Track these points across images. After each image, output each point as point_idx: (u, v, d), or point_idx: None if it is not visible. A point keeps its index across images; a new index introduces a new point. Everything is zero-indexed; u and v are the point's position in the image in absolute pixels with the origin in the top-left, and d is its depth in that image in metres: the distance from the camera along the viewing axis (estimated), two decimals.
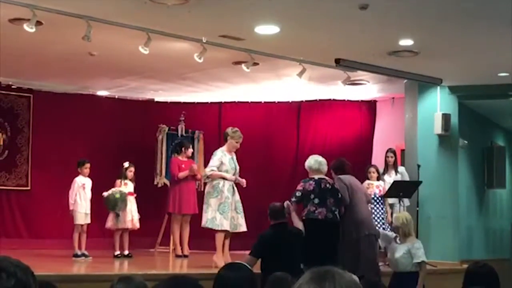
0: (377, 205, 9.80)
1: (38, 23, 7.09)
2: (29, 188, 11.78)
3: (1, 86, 11.50)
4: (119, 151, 11.42)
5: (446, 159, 10.74)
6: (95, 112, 12.16)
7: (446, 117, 10.54)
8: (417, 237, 8.86)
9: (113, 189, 9.94)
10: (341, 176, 8.11)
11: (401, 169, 10.38)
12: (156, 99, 12.79)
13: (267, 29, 7.70)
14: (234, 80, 10.85)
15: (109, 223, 10.00)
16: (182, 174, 10.31)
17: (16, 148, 11.73)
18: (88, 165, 9.92)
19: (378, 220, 9.58)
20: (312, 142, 12.44)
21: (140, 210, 10.28)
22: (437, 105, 10.68)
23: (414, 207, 9.96)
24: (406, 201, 9.87)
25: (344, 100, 12.53)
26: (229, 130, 8.91)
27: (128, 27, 7.55)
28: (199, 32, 7.90)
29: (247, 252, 7.45)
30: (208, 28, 7.78)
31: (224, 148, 8.83)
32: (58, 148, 11.73)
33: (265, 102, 12.81)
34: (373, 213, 9.53)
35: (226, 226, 8.51)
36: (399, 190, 9.58)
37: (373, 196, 9.79)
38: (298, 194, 7.75)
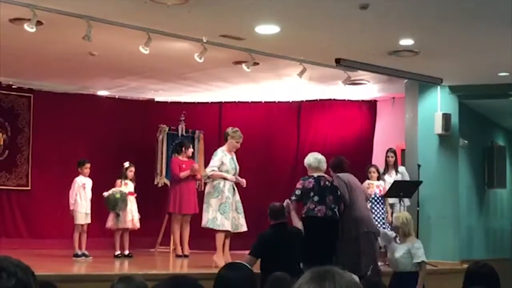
0: (378, 205, 9.81)
1: (39, 23, 7.09)
2: (29, 188, 11.78)
3: (1, 86, 11.50)
4: (120, 151, 11.43)
5: (446, 159, 10.74)
6: (96, 112, 12.16)
7: (446, 117, 10.54)
8: (417, 237, 8.87)
9: (113, 189, 9.94)
10: (340, 174, 8.12)
11: (401, 169, 10.38)
12: (157, 99, 12.80)
13: (267, 29, 7.70)
14: (234, 80, 10.85)
15: (110, 223, 10.00)
16: (183, 174, 10.32)
17: (17, 148, 11.73)
18: (88, 165, 9.92)
19: (379, 220, 9.58)
20: (313, 142, 12.43)
21: (140, 210, 10.28)
22: (438, 105, 10.68)
23: (414, 207, 9.96)
24: (407, 201, 9.87)
25: (344, 100, 12.53)
26: (229, 130, 8.91)
27: (129, 27, 7.55)
28: (200, 32, 7.90)
29: (247, 252, 7.46)
30: (208, 28, 7.78)
31: (224, 148, 8.83)
32: (58, 148, 11.73)
33: (265, 102, 12.81)
34: (374, 213, 9.54)
35: (228, 226, 8.52)
36: (399, 190, 9.58)
37: (373, 196, 9.80)
38: (297, 192, 7.76)
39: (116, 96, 12.48)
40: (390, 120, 12.24)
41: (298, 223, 7.65)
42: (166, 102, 12.80)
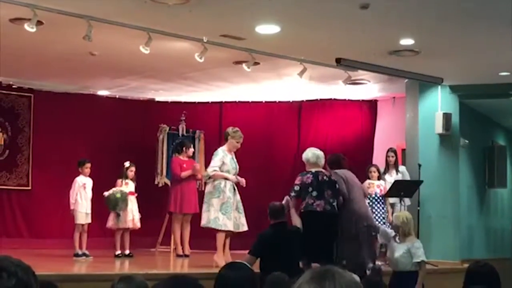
0: (378, 205, 9.81)
1: (39, 23, 7.09)
2: (29, 187, 11.78)
3: (1, 86, 11.50)
4: (120, 151, 11.42)
5: (447, 159, 10.74)
6: (96, 112, 12.16)
7: (447, 117, 10.54)
8: (418, 236, 8.88)
9: (114, 189, 9.95)
10: (337, 171, 8.16)
11: (402, 168, 10.39)
12: (157, 98, 12.79)
13: (267, 29, 7.70)
14: (234, 79, 10.85)
15: (110, 222, 10.01)
16: (184, 174, 10.32)
17: (17, 148, 11.73)
18: (88, 164, 9.93)
19: (379, 220, 9.58)
20: (313, 141, 12.37)
21: (141, 209, 10.29)
22: (438, 104, 10.67)
23: (415, 206, 9.97)
24: (407, 201, 9.88)
25: (345, 100, 12.53)
26: (229, 130, 8.92)
27: (129, 26, 7.55)
28: (200, 31, 7.90)
29: (247, 251, 7.46)
30: (209, 28, 7.78)
31: (224, 147, 8.83)
32: (58, 147, 11.73)
33: (265, 102, 12.81)
34: (374, 212, 9.55)
35: (230, 226, 8.54)
36: (400, 189, 9.58)
37: (374, 195, 9.81)
38: (296, 188, 7.79)
39: (117, 96, 12.48)
40: (390, 120, 12.24)
41: (297, 221, 7.67)
42: (166, 102, 12.80)
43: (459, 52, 8.75)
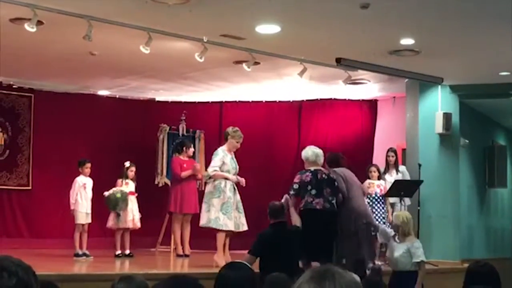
0: (378, 205, 9.81)
1: (39, 22, 7.10)
2: (30, 187, 11.79)
3: (2, 86, 11.50)
4: (120, 151, 11.43)
5: (447, 158, 10.74)
6: (96, 111, 12.16)
7: (447, 116, 10.54)
8: (418, 236, 8.88)
9: (114, 189, 9.95)
10: (336, 169, 8.18)
11: (402, 168, 10.39)
12: (157, 98, 12.80)
13: (268, 29, 7.70)
14: (235, 79, 10.85)
15: (110, 222, 10.01)
16: (185, 174, 10.32)
17: (17, 148, 11.74)
18: (89, 164, 9.93)
19: (379, 220, 9.57)
20: (313, 141, 12.30)
21: (141, 209, 10.30)
22: (438, 104, 10.67)
23: (415, 206, 9.97)
24: (407, 201, 9.88)
25: (345, 100, 12.53)
26: (229, 129, 8.92)
27: (129, 26, 7.56)
28: (200, 31, 7.90)
29: (247, 251, 7.46)
30: (209, 28, 7.78)
31: (224, 147, 8.84)
32: (59, 147, 11.73)
33: (266, 102, 12.81)
34: (374, 212, 9.55)
35: (231, 226, 8.55)
36: (400, 189, 9.58)
37: (374, 195, 9.82)
38: (295, 186, 7.80)
39: (117, 96, 12.48)
40: (390, 120, 12.24)
41: (296, 219, 7.68)
42: (166, 102, 12.80)
43: (459, 52, 8.76)
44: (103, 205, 9.93)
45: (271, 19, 7.41)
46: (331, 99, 12.52)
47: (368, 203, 9.49)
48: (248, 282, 3.62)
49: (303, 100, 12.72)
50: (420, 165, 10.18)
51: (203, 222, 8.61)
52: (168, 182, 11.18)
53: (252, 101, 12.81)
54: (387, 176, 10.19)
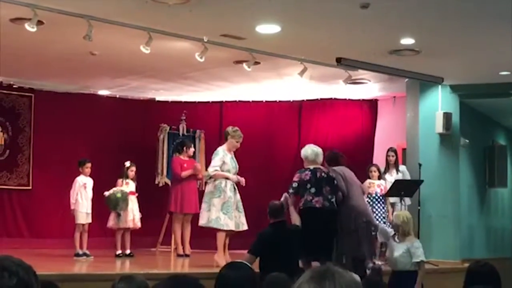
0: (379, 204, 9.81)
1: (39, 22, 7.10)
2: (30, 187, 11.79)
3: (2, 86, 11.50)
4: (120, 151, 11.43)
5: (447, 158, 10.74)
6: (96, 111, 12.16)
7: (447, 116, 10.53)
8: (418, 236, 8.89)
9: (114, 189, 9.96)
10: (335, 168, 8.18)
11: (402, 168, 10.39)
12: (157, 98, 12.80)
13: (268, 28, 7.70)
14: (235, 79, 10.85)
15: (111, 222, 10.02)
16: (185, 173, 10.33)
17: (18, 148, 11.74)
18: (89, 164, 9.93)
19: (380, 219, 9.58)
20: (314, 141, 12.26)
21: (141, 209, 10.30)
22: (439, 104, 10.67)
23: (415, 206, 9.97)
24: (408, 200, 9.89)
25: (345, 99, 12.53)
26: (229, 129, 8.92)
27: (129, 26, 7.56)
28: (200, 31, 7.90)
29: (247, 251, 7.46)
30: (209, 27, 7.78)
31: (224, 147, 8.84)
32: (59, 147, 11.73)
33: (266, 101, 12.81)
34: (375, 212, 9.55)
35: (232, 226, 8.55)
36: (400, 189, 9.59)
37: (374, 195, 9.82)
38: (294, 185, 7.81)
39: (117, 96, 12.48)
40: (391, 119, 12.24)
41: (296, 218, 7.68)
42: (167, 102, 12.80)
43: (460, 52, 8.75)
44: (103, 205, 9.93)
45: (271, 19, 7.41)
46: (331, 98, 12.52)
47: (369, 202, 9.50)
48: (249, 282, 3.62)
49: (303, 100, 12.72)
50: (420, 165, 10.18)
51: (203, 221, 8.61)
52: (169, 182, 11.18)
53: (252, 101, 12.81)
54: (387, 176, 10.19)
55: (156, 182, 11.52)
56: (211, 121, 12.63)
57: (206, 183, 9.13)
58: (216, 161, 8.69)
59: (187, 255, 10.20)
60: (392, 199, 9.94)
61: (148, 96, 12.67)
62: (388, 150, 10.44)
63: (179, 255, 10.25)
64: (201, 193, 9.85)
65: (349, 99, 12.52)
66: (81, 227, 9.71)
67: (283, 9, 7.01)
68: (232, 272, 3.66)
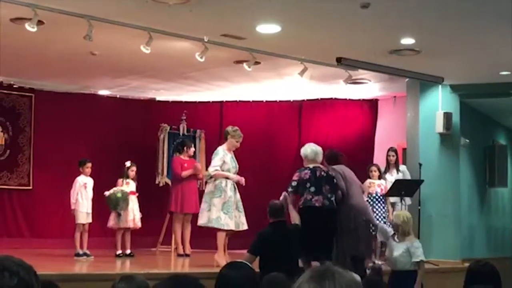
0: (379, 204, 9.81)
1: (40, 22, 7.10)
2: (31, 187, 11.79)
3: (2, 86, 11.51)
4: (121, 151, 11.43)
5: (447, 158, 10.73)
6: (97, 111, 12.17)
7: (447, 116, 10.53)
8: (418, 236, 8.89)
9: (114, 188, 9.96)
10: (335, 166, 8.19)
11: (402, 167, 10.39)
12: (158, 98, 12.80)
13: (268, 28, 7.70)
14: (235, 79, 10.85)
15: (111, 222, 10.02)
16: (185, 173, 10.34)
17: (18, 148, 11.74)
18: (89, 164, 9.93)
19: (380, 219, 9.58)
20: (314, 141, 12.18)
21: (142, 209, 10.30)
22: (439, 103, 10.67)
23: (415, 205, 9.97)
24: (408, 200, 9.89)
25: (345, 99, 12.53)
26: (229, 129, 8.93)
27: (130, 26, 7.56)
28: (201, 31, 7.90)
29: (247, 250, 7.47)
30: (209, 27, 7.78)
31: (224, 146, 8.84)
32: (59, 147, 11.73)
33: (266, 101, 12.81)
34: (375, 212, 9.55)
35: (232, 225, 8.56)
36: (400, 189, 9.59)
37: (374, 195, 9.82)
38: (294, 184, 7.81)
39: (117, 96, 12.48)
40: (391, 119, 12.24)
41: (295, 217, 7.69)
42: (167, 102, 12.80)
43: (460, 52, 8.75)
44: (103, 205, 9.93)
45: (272, 18, 7.41)
46: (331, 98, 12.51)
47: (369, 202, 9.50)
48: (249, 281, 3.63)
49: (303, 100, 12.72)
50: (420, 165, 10.18)
51: (203, 221, 8.61)
52: (169, 182, 11.18)
53: (253, 101, 12.81)
54: (387, 176, 10.19)
55: (157, 182, 11.53)
56: (212, 121, 12.63)
57: (206, 182, 9.13)
58: (216, 160, 8.69)
59: (187, 255, 10.21)
60: (392, 199, 9.94)
61: (148, 96, 12.67)
62: (389, 150, 10.44)
63: (179, 255, 10.25)
64: (201, 193, 9.85)
65: (349, 99, 12.51)
66: (81, 227, 9.71)
67: (283, 9, 7.01)
68: (232, 271, 3.66)
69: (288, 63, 9.31)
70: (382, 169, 10.23)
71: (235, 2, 6.78)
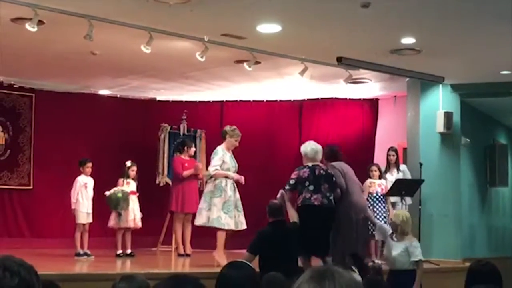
0: (379, 204, 9.81)
1: (40, 22, 7.10)
2: (31, 187, 11.79)
3: (3, 86, 11.51)
4: (121, 150, 11.43)
5: (448, 157, 10.73)
6: (97, 111, 12.17)
7: (448, 115, 10.53)
8: (419, 235, 8.90)
9: (115, 188, 9.96)
10: (334, 163, 8.19)
11: (403, 167, 10.39)
12: (158, 98, 12.80)
13: (269, 28, 7.70)
14: (236, 79, 10.85)
15: (111, 222, 10.02)
16: (186, 173, 10.34)
17: (18, 148, 11.74)
18: (90, 164, 9.93)
19: (380, 219, 9.57)
20: (314, 140, 12.34)
21: (142, 209, 10.30)
22: (439, 103, 10.66)
23: (416, 205, 9.97)
24: (408, 200, 9.88)
25: (346, 99, 12.52)
26: (227, 128, 8.94)
27: (130, 26, 7.56)
28: (201, 31, 7.90)
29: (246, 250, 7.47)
30: (210, 27, 7.78)
31: (223, 146, 8.84)
32: (60, 147, 11.73)
33: (267, 101, 12.81)
34: (375, 211, 9.56)
35: (232, 225, 8.57)
36: (401, 188, 9.59)
37: (375, 194, 9.82)
38: (292, 182, 7.82)
39: (118, 95, 12.48)
40: (392, 119, 12.24)
41: (293, 215, 7.69)
42: (167, 101, 12.80)
43: (460, 51, 8.75)
44: (104, 205, 9.93)
45: (272, 18, 7.41)
46: (332, 98, 12.51)
47: (369, 202, 9.51)
48: (250, 281, 3.62)
49: (304, 100, 12.72)
50: (421, 164, 10.18)
51: (203, 221, 8.61)
52: (169, 182, 11.19)
53: (253, 101, 12.81)
54: (388, 175, 10.19)
55: (157, 182, 11.53)
56: (212, 120, 12.63)
57: (206, 182, 9.13)
58: (216, 160, 8.70)
59: (188, 255, 10.21)
60: (393, 199, 9.94)
61: (149, 96, 12.67)
62: (389, 150, 10.44)
63: (180, 255, 10.25)
64: (201, 193, 9.86)
65: (349, 99, 12.51)
66: (81, 227, 9.71)
67: (283, 9, 7.01)
68: (233, 271, 3.66)
69: (289, 62, 9.31)
70: (383, 168, 10.22)
71: (235, 2, 6.78)
